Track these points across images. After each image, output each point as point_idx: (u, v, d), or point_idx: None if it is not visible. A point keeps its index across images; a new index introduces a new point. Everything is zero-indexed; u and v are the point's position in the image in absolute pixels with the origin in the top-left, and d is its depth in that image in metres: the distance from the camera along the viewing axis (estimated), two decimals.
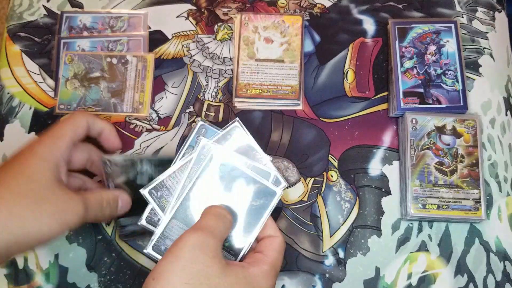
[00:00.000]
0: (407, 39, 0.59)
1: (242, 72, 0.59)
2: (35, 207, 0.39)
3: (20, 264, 0.54)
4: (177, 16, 0.64)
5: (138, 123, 0.59)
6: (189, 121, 0.59)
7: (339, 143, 0.58)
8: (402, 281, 0.53)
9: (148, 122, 0.59)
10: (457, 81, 0.57)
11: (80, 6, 0.65)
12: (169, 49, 0.63)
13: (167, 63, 0.62)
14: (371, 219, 0.55)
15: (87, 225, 0.55)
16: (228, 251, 0.45)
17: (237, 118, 0.50)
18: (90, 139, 0.51)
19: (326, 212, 0.56)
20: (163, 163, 0.50)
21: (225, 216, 0.42)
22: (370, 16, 0.64)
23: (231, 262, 0.40)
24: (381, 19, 0.63)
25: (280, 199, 0.56)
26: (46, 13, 0.65)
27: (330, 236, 0.55)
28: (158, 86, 0.61)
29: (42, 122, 0.59)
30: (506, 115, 0.59)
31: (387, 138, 0.58)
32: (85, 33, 0.63)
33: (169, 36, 0.63)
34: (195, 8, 0.65)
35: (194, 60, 0.62)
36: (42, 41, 0.63)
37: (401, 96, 0.57)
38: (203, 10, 0.65)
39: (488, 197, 0.56)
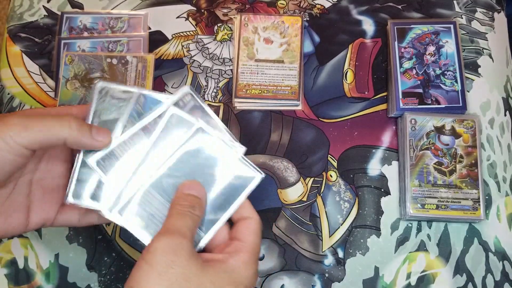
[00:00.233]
0: (406, 40, 0.59)
1: (241, 72, 0.60)
2: None
3: (21, 264, 0.54)
4: (177, 17, 0.65)
5: None
6: None
7: (339, 143, 0.58)
8: (401, 281, 0.53)
9: None
10: (456, 81, 0.58)
11: (80, 6, 0.65)
12: (169, 49, 0.63)
13: (167, 63, 0.62)
14: (370, 219, 0.56)
15: None
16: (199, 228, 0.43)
17: (189, 86, 0.45)
18: None
19: (326, 212, 0.56)
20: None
21: (194, 209, 0.39)
22: (369, 17, 0.64)
23: (208, 257, 0.38)
24: (381, 19, 0.64)
25: (280, 199, 0.56)
26: (47, 14, 0.65)
27: (330, 236, 0.55)
28: (158, 87, 0.61)
29: None
30: (505, 115, 0.59)
31: (386, 138, 0.59)
32: (86, 34, 0.63)
33: (169, 37, 0.64)
34: (195, 8, 0.65)
35: (194, 60, 0.62)
36: (43, 42, 0.63)
37: (400, 96, 0.57)
38: (203, 10, 0.65)
39: (487, 197, 0.56)
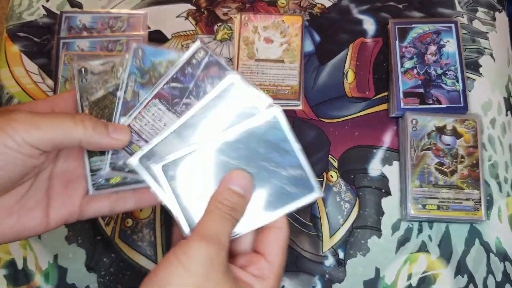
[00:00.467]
0: (407, 39, 0.59)
1: (242, 72, 0.59)
2: None
3: (20, 264, 0.54)
4: (177, 16, 0.64)
5: None
6: None
7: (339, 144, 0.58)
8: (402, 282, 0.53)
9: None
10: (458, 81, 0.57)
11: (80, 6, 0.65)
12: None
13: None
14: (371, 219, 0.55)
15: (86, 225, 0.55)
16: None
17: (200, 40, 0.42)
18: None
19: (326, 212, 0.56)
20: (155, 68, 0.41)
21: (235, 212, 0.36)
22: (370, 16, 0.64)
23: (237, 275, 0.36)
24: (381, 19, 0.63)
25: None
26: (46, 13, 0.65)
27: (330, 237, 0.55)
28: None
29: None
30: (507, 115, 0.59)
31: (387, 138, 0.58)
32: (85, 33, 0.62)
33: (169, 36, 0.63)
34: (194, 8, 0.65)
35: None
36: (42, 41, 0.63)
37: (401, 96, 0.57)
38: (202, 10, 0.65)
39: (488, 198, 0.56)
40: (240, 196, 0.37)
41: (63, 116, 0.35)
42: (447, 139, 0.55)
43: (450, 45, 0.59)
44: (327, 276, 0.54)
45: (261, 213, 0.38)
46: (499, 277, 0.53)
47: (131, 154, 0.38)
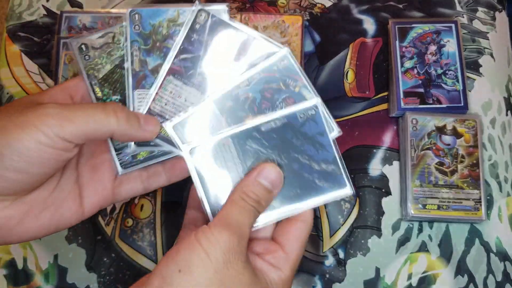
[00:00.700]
0: (408, 39, 0.59)
1: None
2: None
3: (20, 264, 0.54)
4: None
5: None
6: None
7: (339, 143, 0.58)
8: (402, 282, 0.53)
9: None
10: (458, 81, 0.57)
11: (80, 6, 0.65)
12: None
13: None
14: (371, 219, 0.55)
15: (86, 225, 0.55)
16: None
17: (197, 1, 0.38)
18: None
19: (326, 212, 0.56)
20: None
21: (259, 206, 0.36)
22: (370, 16, 0.64)
23: (254, 263, 0.35)
24: (381, 19, 0.63)
25: None
26: (46, 13, 0.65)
27: (330, 237, 0.55)
28: None
29: None
30: (507, 115, 0.59)
31: (387, 138, 0.58)
32: (85, 33, 0.62)
33: None
34: None
35: None
36: (42, 41, 0.63)
37: (402, 96, 0.57)
38: None
39: (488, 198, 0.56)
40: (268, 190, 0.36)
41: (94, 108, 0.34)
42: (447, 139, 0.55)
43: (450, 45, 0.59)
44: (327, 276, 0.54)
45: (287, 204, 0.38)
46: (499, 277, 0.53)
47: (160, 138, 0.38)
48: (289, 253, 0.37)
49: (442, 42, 0.59)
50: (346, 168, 0.38)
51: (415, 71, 0.58)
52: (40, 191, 0.36)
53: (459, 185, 0.54)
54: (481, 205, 0.53)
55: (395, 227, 0.55)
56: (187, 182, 0.56)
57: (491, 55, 0.61)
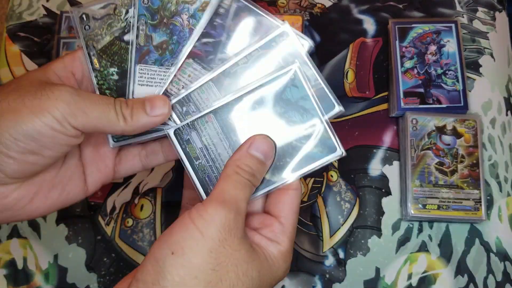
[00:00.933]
0: (408, 39, 0.59)
1: None
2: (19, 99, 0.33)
3: (20, 264, 0.54)
4: None
5: None
6: None
7: None
8: (402, 282, 0.53)
9: None
10: (458, 81, 0.57)
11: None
12: None
13: None
14: (371, 219, 0.55)
15: (86, 225, 0.55)
16: None
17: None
18: None
19: (326, 212, 0.56)
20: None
21: (254, 178, 0.35)
22: (370, 16, 0.64)
23: (252, 239, 0.34)
24: (382, 19, 0.63)
25: None
26: (46, 13, 0.65)
27: (330, 237, 0.55)
28: None
29: None
30: (507, 115, 0.59)
31: (388, 138, 0.58)
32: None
33: None
34: None
35: None
36: (42, 41, 0.63)
37: (402, 96, 0.57)
38: None
39: (488, 198, 0.56)
40: (261, 162, 0.36)
41: (105, 105, 0.34)
42: (447, 139, 0.55)
43: (450, 45, 0.59)
44: (327, 276, 0.54)
45: (280, 173, 0.37)
46: (499, 277, 0.53)
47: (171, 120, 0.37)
48: (284, 224, 0.36)
49: (442, 42, 0.59)
50: (334, 131, 0.37)
51: (415, 71, 0.58)
52: (48, 172, 0.37)
53: (459, 185, 0.54)
54: (481, 205, 0.53)
55: (395, 227, 0.55)
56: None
57: (491, 55, 0.61)
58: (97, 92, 0.38)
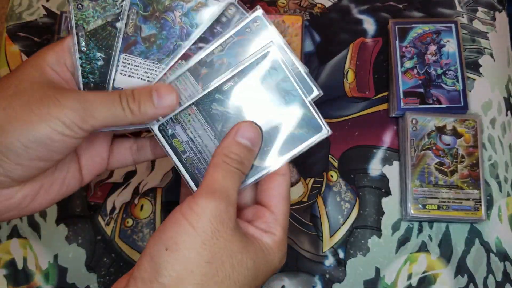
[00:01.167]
0: (408, 39, 0.59)
1: None
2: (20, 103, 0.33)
3: (20, 264, 0.54)
4: None
5: None
6: None
7: (339, 143, 0.58)
8: (402, 282, 0.53)
9: None
10: (458, 81, 0.57)
11: None
12: None
13: None
14: (371, 219, 0.55)
15: (86, 225, 0.55)
16: None
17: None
18: None
19: (326, 212, 0.56)
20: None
21: (243, 166, 0.35)
22: (370, 16, 0.64)
23: (246, 230, 0.34)
24: (381, 19, 0.63)
25: None
26: (46, 13, 0.65)
27: (330, 237, 0.55)
28: None
29: None
30: (507, 115, 0.59)
31: (387, 138, 0.58)
32: None
33: None
34: None
35: None
36: (42, 41, 0.63)
37: (402, 96, 0.57)
38: None
39: (488, 198, 0.56)
40: (248, 149, 0.35)
41: (111, 102, 0.34)
42: (447, 139, 0.55)
43: (450, 45, 0.59)
44: (327, 276, 0.54)
45: (268, 159, 0.37)
46: (499, 277, 0.53)
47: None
48: (276, 213, 0.36)
49: (442, 42, 0.59)
50: (317, 110, 0.36)
51: (415, 71, 0.58)
52: (48, 170, 0.37)
53: (459, 185, 0.54)
54: (481, 205, 0.53)
55: (395, 227, 0.55)
56: None
57: (491, 55, 0.61)
58: (79, 75, 0.37)
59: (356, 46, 0.62)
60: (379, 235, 0.55)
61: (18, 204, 0.36)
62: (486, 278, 0.53)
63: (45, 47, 0.37)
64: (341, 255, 0.54)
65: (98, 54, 0.37)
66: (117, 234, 0.55)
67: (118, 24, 0.37)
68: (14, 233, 0.55)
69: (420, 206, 0.53)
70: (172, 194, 0.56)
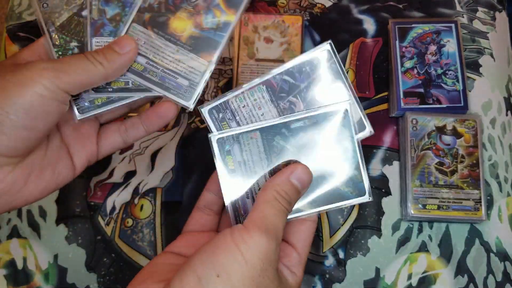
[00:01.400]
0: (408, 39, 0.59)
1: (242, 72, 0.59)
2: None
3: (20, 264, 0.54)
4: None
5: None
6: (188, 121, 0.59)
7: None
8: (402, 282, 0.53)
9: None
10: (458, 81, 0.57)
11: None
12: None
13: None
14: (371, 219, 0.55)
15: (86, 225, 0.55)
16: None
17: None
18: None
19: (326, 212, 0.56)
20: None
21: (290, 206, 0.35)
22: (370, 16, 0.64)
23: (280, 270, 0.35)
24: (382, 19, 0.63)
25: None
26: None
27: (330, 237, 0.55)
28: None
29: None
30: (507, 115, 0.59)
31: (388, 138, 0.58)
32: None
33: None
34: None
35: None
36: None
37: (402, 96, 0.57)
38: None
39: (488, 198, 0.56)
40: (298, 191, 0.36)
41: (81, 59, 0.36)
42: (447, 139, 0.55)
43: (450, 45, 0.59)
44: (327, 276, 0.54)
45: (307, 204, 0.38)
46: (499, 277, 0.53)
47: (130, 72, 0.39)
48: (301, 254, 0.37)
49: (442, 42, 0.59)
50: (368, 175, 0.38)
51: (415, 71, 0.58)
52: (35, 154, 0.37)
53: (459, 185, 0.54)
54: (481, 205, 0.53)
55: (395, 227, 0.55)
56: (187, 180, 0.56)
57: (491, 55, 0.61)
58: None
59: (356, 46, 0.62)
60: (379, 235, 0.55)
61: (9, 189, 0.36)
62: (486, 278, 0.53)
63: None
64: (341, 255, 0.54)
65: (72, 44, 0.39)
66: (117, 234, 0.55)
67: (84, 13, 0.39)
68: (14, 233, 0.55)
69: (420, 206, 0.53)
70: (172, 194, 0.56)
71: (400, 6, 0.64)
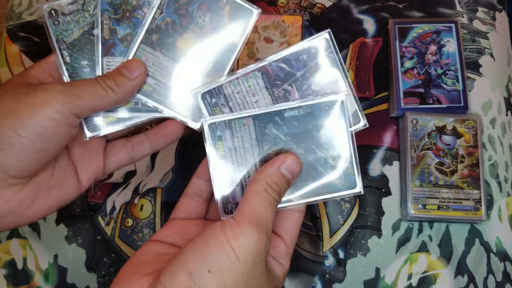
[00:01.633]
0: (408, 39, 0.59)
1: None
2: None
3: (20, 264, 0.54)
4: None
5: None
6: None
7: None
8: (402, 282, 0.53)
9: None
10: (458, 81, 0.57)
11: None
12: None
13: None
14: (371, 219, 0.55)
15: (86, 225, 0.55)
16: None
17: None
18: None
19: (326, 212, 0.56)
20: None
21: (279, 197, 0.35)
22: (370, 16, 0.64)
23: (268, 262, 0.35)
24: (382, 19, 0.63)
25: None
26: None
27: (330, 237, 0.55)
28: None
29: None
30: (507, 115, 0.59)
31: (388, 138, 0.58)
32: None
33: None
34: None
35: None
36: (42, 41, 0.63)
37: (402, 96, 0.57)
38: None
39: (488, 198, 0.56)
40: (288, 182, 0.36)
41: (92, 84, 0.36)
42: (447, 139, 0.55)
43: (450, 45, 0.59)
44: (327, 276, 0.54)
45: (297, 195, 0.37)
46: (499, 277, 0.53)
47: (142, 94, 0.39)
48: (289, 245, 0.37)
49: (442, 42, 0.59)
50: (359, 167, 0.38)
51: (415, 71, 0.58)
52: (43, 173, 0.37)
53: (459, 185, 0.54)
54: (481, 205, 0.53)
55: (395, 227, 0.55)
56: (187, 181, 0.56)
57: (491, 55, 0.61)
58: None
59: (356, 46, 0.62)
60: (379, 235, 0.55)
61: (16, 209, 0.35)
62: (486, 278, 0.53)
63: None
64: (341, 255, 0.54)
65: (83, 62, 0.39)
66: (117, 234, 0.55)
67: (95, 31, 0.39)
68: (14, 233, 0.55)
69: (420, 206, 0.53)
70: (172, 194, 0.56)
71: (400, 6, 0.64)
